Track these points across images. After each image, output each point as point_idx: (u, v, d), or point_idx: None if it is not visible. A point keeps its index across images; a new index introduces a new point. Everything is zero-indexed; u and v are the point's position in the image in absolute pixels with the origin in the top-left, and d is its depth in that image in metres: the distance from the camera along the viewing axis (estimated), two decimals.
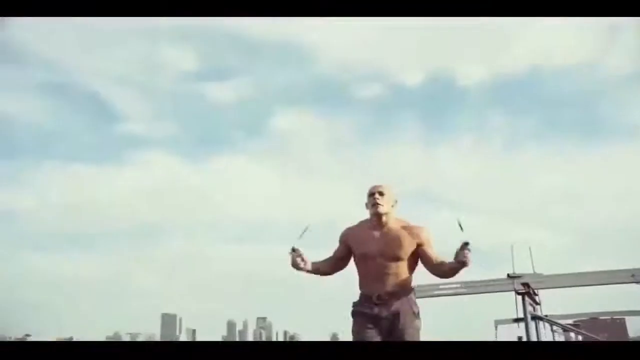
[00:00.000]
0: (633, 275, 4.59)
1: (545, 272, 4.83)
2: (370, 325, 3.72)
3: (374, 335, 3.69)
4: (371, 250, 3.79)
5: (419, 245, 3.77)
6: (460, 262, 3.46)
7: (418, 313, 3.76)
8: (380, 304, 3.71)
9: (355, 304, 3.88)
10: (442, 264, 3.70)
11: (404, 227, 3.83)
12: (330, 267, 4.01)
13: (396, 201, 3.89)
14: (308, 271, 3.89)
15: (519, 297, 4.64)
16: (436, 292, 5.08)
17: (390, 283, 3.73)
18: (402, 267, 3.76)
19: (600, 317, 15.08)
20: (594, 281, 4.89)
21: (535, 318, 4.74)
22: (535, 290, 4.85)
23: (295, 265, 3.80)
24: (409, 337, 3.62)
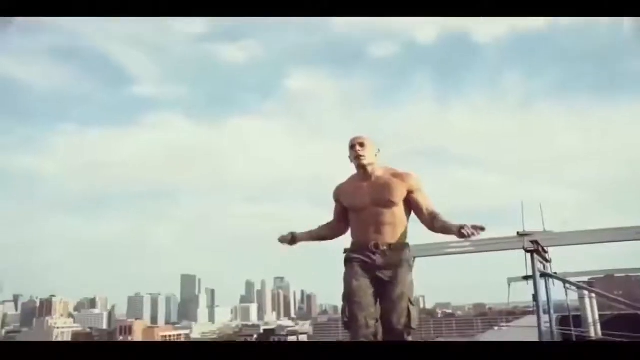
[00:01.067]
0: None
1: (557, 230, 4.85)
2: (365, 274, 3.71)
3: (367, 285, 3.68)
4: (362, 200, 3.79)
5: (410, 192, 3.76)
6: (459, 233, 3.49)
7: (411, 266, 3.77)
8: (377, 253, 3.70)
9: (349, 251, 3.87)
10: (435, 218, 3.71)
11: (393, 174, 3.82)
12: (326, 230, 4.06)
13: (379, 150, 3.86)
14: (301, 240, 4.04)
15: (529, 255, 4.65)
16: (445, 251, 5.11)
17: (386, 232, 3.72)
18: (396, 215, 3.75)
19: (616, 275, 15.05)
20: (603, 238, 4.88)
21: (545, 275, 4.75)
22: (546, 248, 4.85)
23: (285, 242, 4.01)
24: (404, 289, 3.61)
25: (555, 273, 5.12)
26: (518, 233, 4.75)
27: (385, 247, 3.70)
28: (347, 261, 3.84)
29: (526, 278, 4.84)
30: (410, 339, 3.56)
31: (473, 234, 3.49)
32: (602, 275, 14.46)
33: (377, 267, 3.69)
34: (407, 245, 3.79)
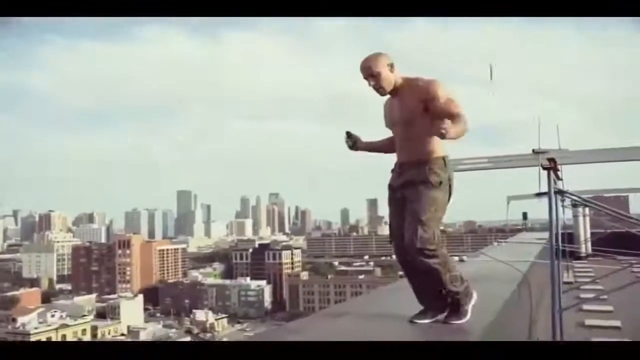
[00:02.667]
0: None
1: (571, 148, 4.87)
2: (394, 197, 3.63)
3: (395, 208, 3.59)
4: (389, 119, 3.68)
5: (425, 102, 3.43)
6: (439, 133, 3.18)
7: (440, 182, 3.48)
8: (399, 172, 3.60)
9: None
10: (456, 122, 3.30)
11: (409, 86, 3.53)
12: (386, 141, 3.88)
13: (391, 64, 3.54)
14: (363, 149, 3.87)
15: (544, 173, 4.68)
16: (459, 167, 5.11)
17: (409, 150, 3.55)
18: (417, 130, 3.49)
19: (605, 195, 15.33)
20: (620, 157, 4.91)
21: (559, 192, 4.82)
22: (559, 167, 4.89)
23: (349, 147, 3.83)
24: (415, 206, 3.43)
25: (567, 190, 5.19)
26: (533, 150, 4.76)
27: (406, 166, 3.56)
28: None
29: (540, 195, 4.90)
30: (427, 260, 3.39)
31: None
32: (591, 195, 14.77)
33: (398, 187, 3.60)
34: (432, 160, 3.53)
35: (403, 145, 3.61)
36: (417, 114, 3.48)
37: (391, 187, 3.67)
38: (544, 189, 4.79)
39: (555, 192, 4.69)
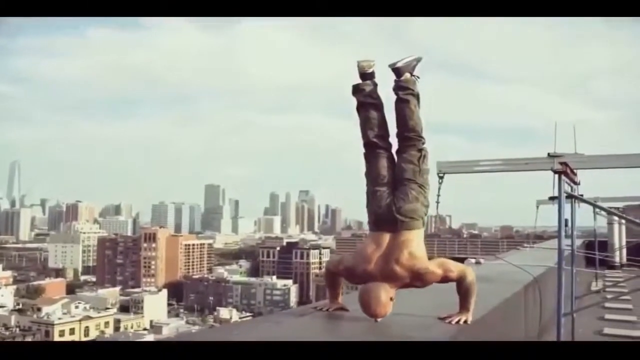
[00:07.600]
0: None
1: (588, 153, 4.81)
2: None
3: None
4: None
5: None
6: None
7: None
8: None
9: None
10: None
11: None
12: None
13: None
14: None
15: (556, 176, 4.63)
16: (474, 168, 5.11)
17: None
18: None
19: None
20: (637, 163, 4.83)
21: (571, 197, 4.75)
22: (575, 171, 4.82)
23: None
24: None
25: (582, 195, 5.10)
26: (549, 154, 4.73)
27: None
28: None
29: (553, 199, 4.84)
30: None
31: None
32: (638, 203, 14.26)
33: None
34: None
35: None
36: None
37: None
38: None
39: (567, 197, 4.63)
